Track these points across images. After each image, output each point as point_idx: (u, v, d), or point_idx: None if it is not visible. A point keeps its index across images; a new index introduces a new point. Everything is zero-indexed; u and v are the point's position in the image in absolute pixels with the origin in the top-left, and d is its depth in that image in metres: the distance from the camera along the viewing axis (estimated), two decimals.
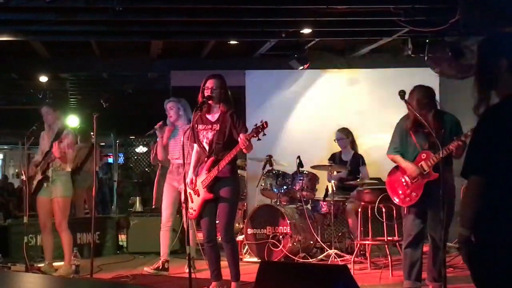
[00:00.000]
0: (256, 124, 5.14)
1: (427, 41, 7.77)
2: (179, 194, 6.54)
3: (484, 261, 2.64)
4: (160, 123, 6.99)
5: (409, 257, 5.38)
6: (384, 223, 6.67)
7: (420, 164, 5.28)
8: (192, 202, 5.44)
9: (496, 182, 2.62)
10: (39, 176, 6.59)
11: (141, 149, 15.93)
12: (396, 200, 5.49)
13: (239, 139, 5.20)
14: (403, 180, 5.41)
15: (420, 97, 5.25)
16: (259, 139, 5.12)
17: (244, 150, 5.28)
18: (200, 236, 5.58)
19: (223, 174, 5.31)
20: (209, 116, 5.43)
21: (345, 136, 7.95)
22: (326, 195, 7.79)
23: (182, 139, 5.50)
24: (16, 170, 21.80)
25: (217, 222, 5.52)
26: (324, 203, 7.66)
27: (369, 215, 6.77)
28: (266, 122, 5.07)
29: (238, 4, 7.21)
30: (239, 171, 7.18)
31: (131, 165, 15.86)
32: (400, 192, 5.42)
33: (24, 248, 6.48)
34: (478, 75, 2.75)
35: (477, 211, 2.66)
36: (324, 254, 7.13)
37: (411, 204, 5.35)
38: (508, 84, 2.67)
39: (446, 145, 5.04)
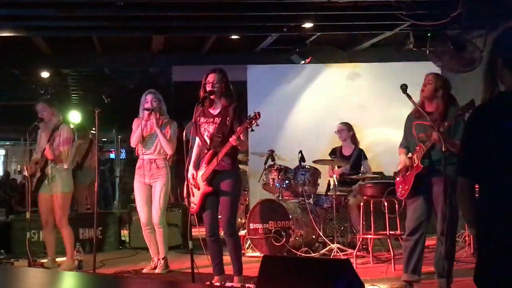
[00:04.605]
0: (249, 115, 5.21)
1: (429, 34, 7.76)
2: (151, 189, 6.47)
3: (480, 257, 2.64)
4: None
5: (405, 249, 5.39)
6: (386, 217, 6.67)
7: (413, 156, 5.28)
8: (193, 196, 5.45)
9: (484, 181, 2.62)
10: (38, 174, 6.59)
11: None
12: (397, 194, 5.53)
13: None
14: (401, 174, 5.43)
15: (434, 87, 5.19)
16: (252, 130, 5.20)
17: (239, 147, 5.30)
18: (202, 230, 5.58)
19: (223, 167, 5.32)
20: (211, 110, 5.45)
21: (347, 129, 7.93)
22: (328, 189, 7.79)
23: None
24: (18, 166, 21.85)
25: (219, 216, 5.53)
26: (326, 197, 7.67)
27: (371, 210, 6.77)
28: (258, 113, 5.14)
29: None
30: (240, 166, 7.17)
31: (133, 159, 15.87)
32: (398, 185, 5.45)
33: (26, 243, 6.49)
34: (485, 71, 2.73)
35: (472, 210, 2.66)
36: (327, 248, 7.13)
37: (406, 197, 5.36)
38: (504, 80, 2.66)
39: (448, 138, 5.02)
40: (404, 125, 5.53)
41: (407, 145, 5.46)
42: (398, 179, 5.49)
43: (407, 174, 5.31)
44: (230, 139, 5.18)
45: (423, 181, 5.23)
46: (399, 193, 5.45)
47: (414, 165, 5.23)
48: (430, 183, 5.20)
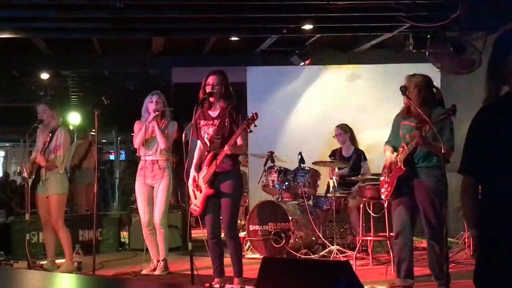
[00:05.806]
0: (246, 116, 5.22)
1: (429, 36, 7.75)
2: (153, 190, 6.47)
3: (480, 259, 2.63)
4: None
5: (395, 253, 5.38)
6: (386, 219, 6.67)
7: (397, 157, 5.24)
8: (196, 198, 5.45)
9: (488, 181, 2.61)
10: (33, 175, 6.57)
11: None
12: (381, 194, 5.50)
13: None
14: (385, 174, 5.40)
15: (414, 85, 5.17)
16: (250, 131, 5.21)
17: (236, 152, 5.31)
18: (204, 232, 5.58)
19: (223, 169, 5.33)
20: (211, 112, 5.46)
21: (343, 131, 7.93)
22: (327, 191, 7.80)
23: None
24: (18, 168, 21.84)
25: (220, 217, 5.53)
26: (326, 199, 7.66)
27: (371, 211, 6.77)
28: (256, 114, 5.16)
29: (239, 0, 7.20)
30: (240, 168, 7.16)
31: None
32: (382, 185, 5.42)
33: (26, 245, 6.48)
34: (487, 71, 2.72)
35: (474, 210, 2.65)
36: (326, 250, 7.13)
37: (389, 198, 5.34)
38: (510, 80, 2.64)
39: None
40: (392, 122, 5.52)
41: (393, 143, 5.44)
42: (382, 178, 5.45)
43: (390, 174, 5.30)
44: (224, 149, 5.19)
45: (405, 183, 5.21)
46: (382, 194, 5.41)
47: (397, 167, 5.21)
48: (412, 185, 5.20)
